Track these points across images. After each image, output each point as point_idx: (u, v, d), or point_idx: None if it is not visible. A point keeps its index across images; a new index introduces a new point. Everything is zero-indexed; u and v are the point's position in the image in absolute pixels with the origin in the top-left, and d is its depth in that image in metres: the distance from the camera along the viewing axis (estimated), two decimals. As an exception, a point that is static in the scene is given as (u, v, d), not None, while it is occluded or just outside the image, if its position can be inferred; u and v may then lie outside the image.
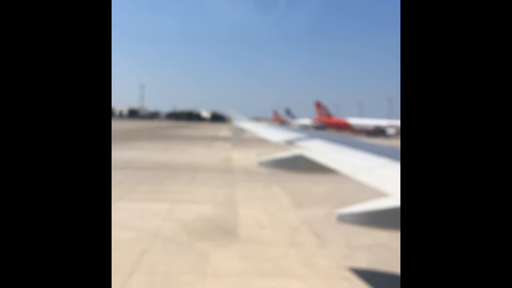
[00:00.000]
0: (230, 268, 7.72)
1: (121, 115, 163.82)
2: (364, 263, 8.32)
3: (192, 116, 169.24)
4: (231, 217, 11.68)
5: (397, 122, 78.45)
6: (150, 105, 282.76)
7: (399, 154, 4.64)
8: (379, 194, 3.36)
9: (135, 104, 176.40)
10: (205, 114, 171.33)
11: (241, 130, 14.09)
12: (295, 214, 12.47)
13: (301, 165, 5.81)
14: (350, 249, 9.18)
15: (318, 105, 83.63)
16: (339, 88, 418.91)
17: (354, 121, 79.80)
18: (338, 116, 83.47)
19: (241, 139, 16.04)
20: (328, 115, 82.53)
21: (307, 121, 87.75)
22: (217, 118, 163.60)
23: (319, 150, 5.70)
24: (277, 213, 12.55)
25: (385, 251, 9.05)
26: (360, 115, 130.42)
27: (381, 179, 3.56)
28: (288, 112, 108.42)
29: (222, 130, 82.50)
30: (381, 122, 77.74)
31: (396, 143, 50.05)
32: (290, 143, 6.84)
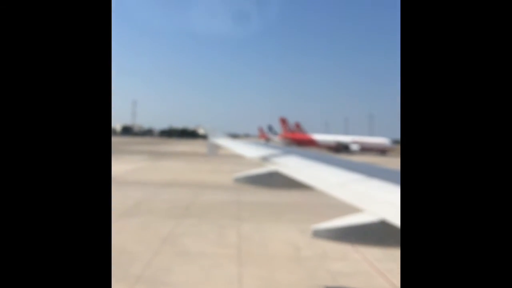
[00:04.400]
0: None
1: (114, 132, 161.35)
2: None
3: (186, 133, 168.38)
4: None
5: (361, 138, 79.43)
6: (146, 122, 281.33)
7: (372, 170, 4.80)
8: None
9: (129, 121, 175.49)
10: (201, 131, 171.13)
11: (216, 146, 14.15)
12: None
13: (276, 181, 5.77)
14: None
15: (283, 121, 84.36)
16: (329, 105, 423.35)
17: (319, 137, 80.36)
18: (310, 132, 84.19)
19: (215, 155, 16.05)
20: (293, 131, 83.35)
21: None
22: None
23: (294, 166, 5.75)
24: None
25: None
26: (346, 132, 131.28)
27: (355, 195, 3.61)
28: (270, 128, 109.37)
29: (188, 145, 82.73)
30: (345, 139, 78.45)
31: (361, 158, 51.81)
32: (265, 159, 6.90)
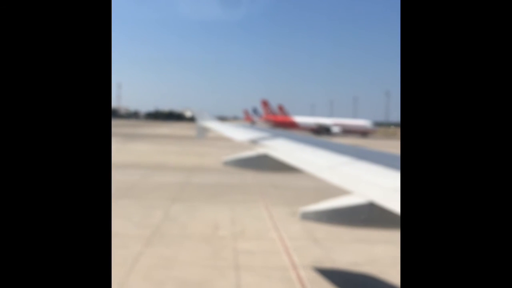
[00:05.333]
0: None
1: None
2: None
3: (173, 116, 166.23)
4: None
5: (342, 121, 79.62)
6: (132, 105, 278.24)
7: (361, 152, 4.82)
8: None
9: (115, 103, 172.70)
10: (188, 114, 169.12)
11: (204, 129, 14.03)
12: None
13: (266, 164, 5.78)
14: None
15: (265, 104, 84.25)
16: (315, 88, 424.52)
17: (300, 119, 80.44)
18: (295, 115, 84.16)
19: (204, 137, 15.91)
20: (274, 113, 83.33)
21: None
22: None
23: (283, 149, 5.75)
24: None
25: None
26: (331, 114, 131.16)
27: (344, 177, 3.65)
28: (255, 111, 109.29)
29: (171, 128, 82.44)
30: (326, 121, 78.65)
31: (342, 141, 52.44)
32: (254, 142, 6.88)
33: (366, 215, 3.21)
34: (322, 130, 74.29)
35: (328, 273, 8.06)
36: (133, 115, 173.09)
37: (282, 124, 76.68)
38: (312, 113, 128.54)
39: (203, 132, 14.43)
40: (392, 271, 8.27)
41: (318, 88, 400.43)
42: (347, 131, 75.41)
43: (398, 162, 3.68)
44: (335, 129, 74.44)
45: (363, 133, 75.87)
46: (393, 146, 45.47)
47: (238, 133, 9.20)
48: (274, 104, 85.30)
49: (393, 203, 2.74)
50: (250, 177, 19.74)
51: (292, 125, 77.23)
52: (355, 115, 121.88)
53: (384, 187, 3.10)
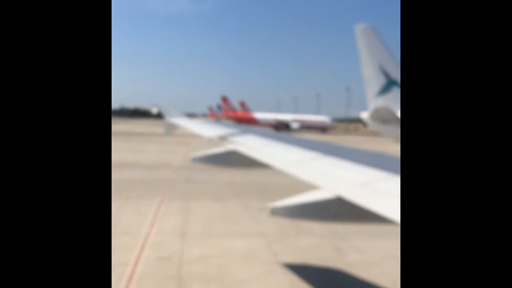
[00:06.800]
0: None
1: None
2: None
3: (138, 113, 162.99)
4: None
5: (301, 117, 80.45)
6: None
7: (329, 148, 4.77)
8: None
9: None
10: (155, 110, 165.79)
11: (172, 126, 13.49)
12: None
13: (234, 160, 5.79)
14: None
15: (224, 100, 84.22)
16: (280, 84, 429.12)
17: (260, 115, 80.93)
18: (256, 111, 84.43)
19: (172, 134, 15.32)
20: (234, 110, 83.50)
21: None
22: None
23: (252, 145, 5.74)
24: None
25: None
26: (296, 110, 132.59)
27: (312, 172, 3.68)
28: (219, 107, 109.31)
29: (129, 125, 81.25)
30: (286, 117, 79.42)
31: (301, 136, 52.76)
32: (223, 138, 6.74)
33: (334, 210, 3.23)
34: (282, 126, 74.88)
35: (163, 268, 7.99)
36: None
37: (242, 120, 76.89)
38: (277, 109, 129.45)
39: (171, 129, 14.07)
40: (236, 263, 8.29)
41: (283, 85, 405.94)
42: (307, 127, 76.30)
43: (365, 157, 3.96)
44: (294, 125, 75.22)
45: (322, 128, 76.97)
46: (352, 141, 46.25)
47: (207, 130, 9.02)
48: (236, 100, 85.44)
49: (360, 197, 2.80)
50: (171, 172, 19.65)
51: (252, 121, 77.51)
52: (318, 111, 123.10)
53: (351, 182, 3.17)
